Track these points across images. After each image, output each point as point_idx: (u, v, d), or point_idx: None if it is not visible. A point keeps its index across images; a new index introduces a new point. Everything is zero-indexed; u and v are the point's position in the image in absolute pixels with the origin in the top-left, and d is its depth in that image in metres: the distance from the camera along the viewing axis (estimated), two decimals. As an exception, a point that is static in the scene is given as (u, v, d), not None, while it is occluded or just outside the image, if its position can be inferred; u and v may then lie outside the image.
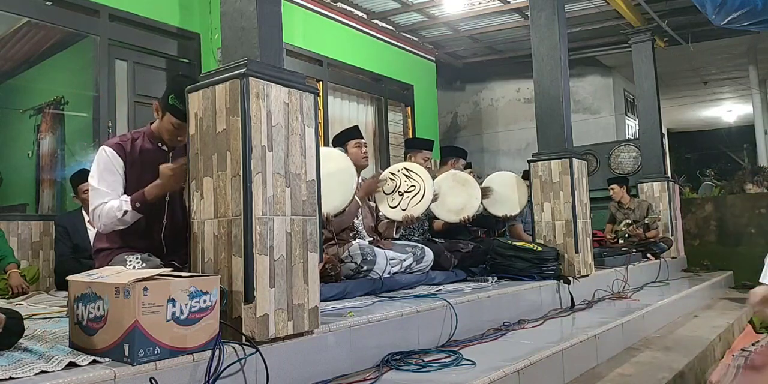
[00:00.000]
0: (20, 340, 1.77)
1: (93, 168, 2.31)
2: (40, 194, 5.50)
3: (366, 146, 3.58)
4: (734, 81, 10.96)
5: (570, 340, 2.68)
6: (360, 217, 3.52)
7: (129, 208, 2.23)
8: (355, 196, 3.27)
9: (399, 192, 3.58)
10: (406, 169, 3.63)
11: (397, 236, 3.75)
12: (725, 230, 7.55)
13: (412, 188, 3.57)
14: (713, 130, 15.56)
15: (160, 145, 2.40)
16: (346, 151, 3.50)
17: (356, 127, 3.70)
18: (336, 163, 3.00)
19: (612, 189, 6.34)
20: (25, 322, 2.21)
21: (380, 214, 3.70)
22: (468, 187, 4.01)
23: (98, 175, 2.29)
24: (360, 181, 3.65)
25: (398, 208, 3.56)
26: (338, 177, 2.96)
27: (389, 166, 6.85)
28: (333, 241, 3.19)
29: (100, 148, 2.34)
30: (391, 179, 3.64)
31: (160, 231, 2.39)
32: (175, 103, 2.28)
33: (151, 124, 2.44)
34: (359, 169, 3.57)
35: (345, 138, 3.57)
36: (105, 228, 2.28)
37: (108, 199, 2.24)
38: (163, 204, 2.36)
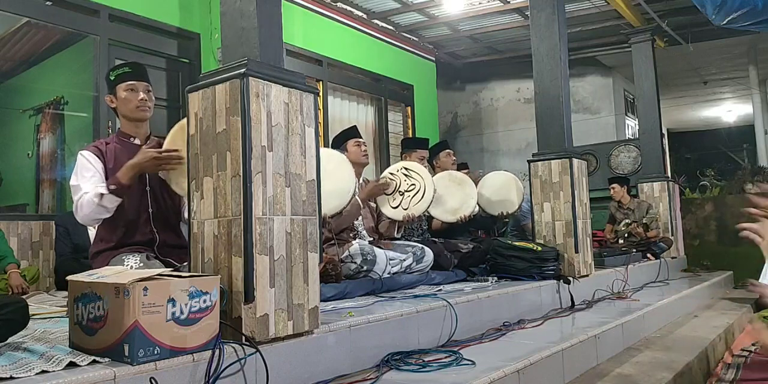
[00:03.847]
0: (20, 340, 1.77)
1: (73, 173, 2.38)
2: (40, 194, 5.51)
3: (365, 145, 3.63)
4: (734, 81, 10.95)
5: (570, 340, 2.68)
6: (360, 218, 3.52)
7: (105, 191, 2.26)
8: (357, 197, 3.27)
9: (399, 192, 3.58)
10: (405, 168, 3.64)
11: (398, 236, 3.75)
12: (725, 230, 7.55)
13: (413, 187, 3.57)
14: (713, 130, 15.55)
15: (131, 140, 2.48)
16: (345, 151, 3.53)
17: (354, 127, 3.75)
18: (335, 164, 3.00)
19: (613, 188, 6.34)
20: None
21: (383, 217, 3.70)
22: (464, 187, 4.01)
23: (77, 175, 2.36)
24: (362, 181, 3.66)
25: (399, 207, 3.56)
26: (337, 178, 2.95)
27: (389, 165, 6.85)
28: (333, 241, 3.19)
29: (78, 154, 2.41)
30: (390, 179, 3.64)
31: (149, 221, 2.44)
32: (114, 72, 2.45)
33: (118, 129, 2.56)
34: (360, 167, 3.60)
35: (344, 138, 3.62)
36: (87, 218, 2.31)
37: (86, 190, 2.29)
38: (145, 194, 2.43)
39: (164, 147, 2.33)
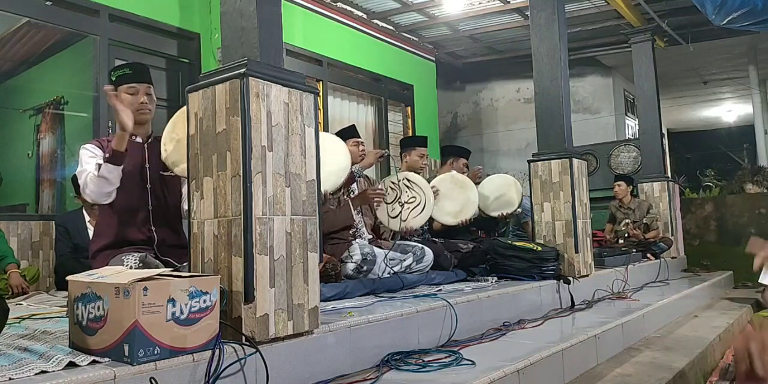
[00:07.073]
0: (20, 340, 1.78)
1: (78, 165, 2.40)
2: (40, 194, 5.51)
3: (363, 144, 3.62)
4: (734, 81, 10.95)
5: (570, 340, 2.68)
6: (360, 215, 3.51)
7: (101, 161, 2.27)
8: (352, 169, 3.24)
9: (399, 202, 3.58)
10: (408, 180, 3.64)
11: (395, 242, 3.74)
12: (725, 230, 7.55)
13: (413, 199, 3.58)
14: (713, 130, 15.55)
15: (133, 138, 2.47)
16: None
17: (353, 127, 3.73)
18: (327, 140, 2.96)
19: (618, 185, 6.30)
20: (25, 321, 2.23)
21: (378, 221, 3.69)
22: (466, 190, 4.01)
23: (81, 163, 2.38)
24: (360, 177, 3.66)
25: (398, 218, 3.56)
26: (331, 154, 2.92)
27: (389, 166, 6.85)
28: (333, 241, 3.19)
29: (81, 148, 2.43)
30: (392, 189, 3.63)
31: (148, 218, 2.44)
32: (115, 73, 2.44)
33: None
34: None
35: (342, 137, 3.58)
36: (95, 194, 2.30)
37: (89, 170, 2.31)
38: (145, 191, 2.43)
39: (166, 131, 2.41)
